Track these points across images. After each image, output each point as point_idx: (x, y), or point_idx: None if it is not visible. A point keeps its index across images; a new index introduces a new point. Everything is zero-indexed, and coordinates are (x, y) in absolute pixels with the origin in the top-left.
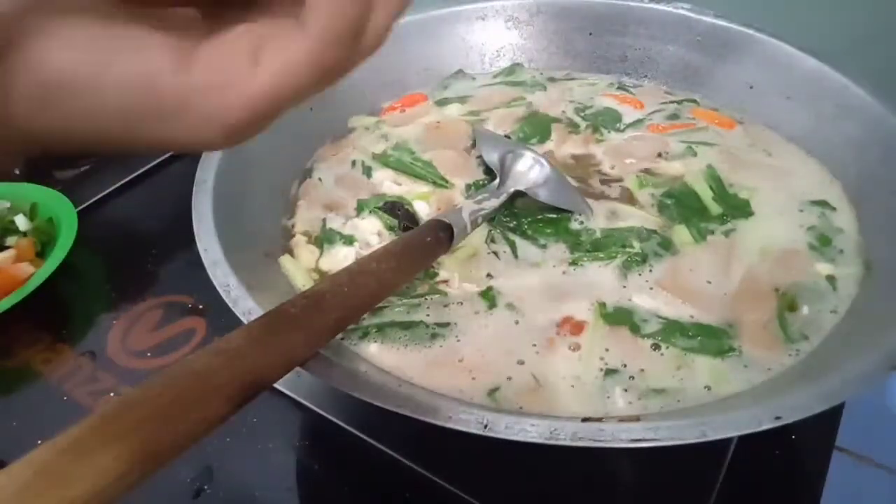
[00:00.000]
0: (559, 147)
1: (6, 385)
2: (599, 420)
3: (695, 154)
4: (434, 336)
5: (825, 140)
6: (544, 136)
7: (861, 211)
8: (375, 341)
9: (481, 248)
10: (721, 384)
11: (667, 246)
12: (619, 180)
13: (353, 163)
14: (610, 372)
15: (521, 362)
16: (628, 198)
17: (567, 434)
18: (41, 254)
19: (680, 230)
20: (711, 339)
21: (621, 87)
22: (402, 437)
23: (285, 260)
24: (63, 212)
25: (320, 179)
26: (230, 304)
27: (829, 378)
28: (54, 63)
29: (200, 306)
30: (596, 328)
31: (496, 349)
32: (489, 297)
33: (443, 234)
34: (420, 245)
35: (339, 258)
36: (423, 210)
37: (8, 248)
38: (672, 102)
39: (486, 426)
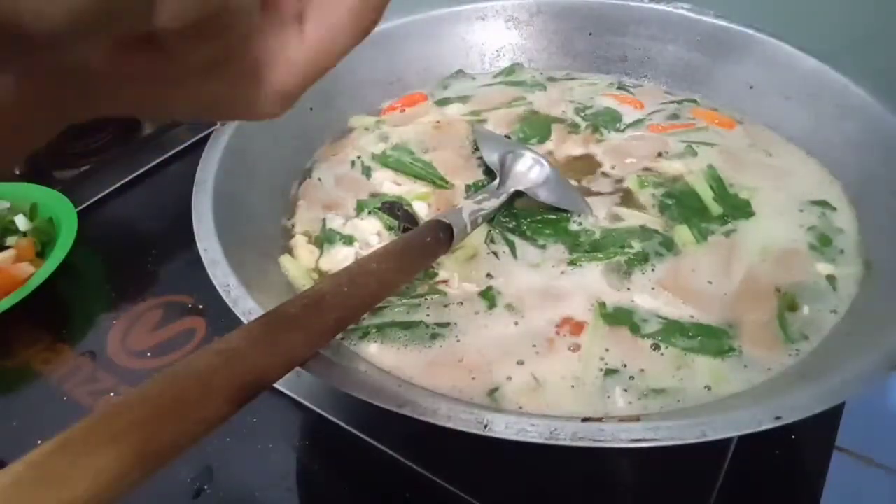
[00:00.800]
0: (559, 147)
1: (6, 385)
2: (599, 420)
3: (695, 154)
4: (434, 336)
5: (825, 140)
6: (544, 136)
7: (861, 211)
8: (375, 341)
9: (481, 248)
10: (721, 384)
11: (668, 246)
12: (620, 180)
13: (353, 163)
14: (610, 372)
15: (520, 362)
16: (629, 198)
17: (567, 434)
18: (41, 254)
19: (681, 230)
20: (711, 340)
21: (621, 87)
22: (402, 437)
23: (285, 260)
24: (63, 212)
25: (320, 179)
26: (230, 304)
27: (829, 378)
28: None
29: (200, 306)
30: (596, 328)
31: (496, 349)
32: (489, 297)
33: (443, 235)
34: (420, 245)
35: (339, 258)
36: (423, 210)
37: (8, 248)
38: (672, 102)
39: (486, 426)
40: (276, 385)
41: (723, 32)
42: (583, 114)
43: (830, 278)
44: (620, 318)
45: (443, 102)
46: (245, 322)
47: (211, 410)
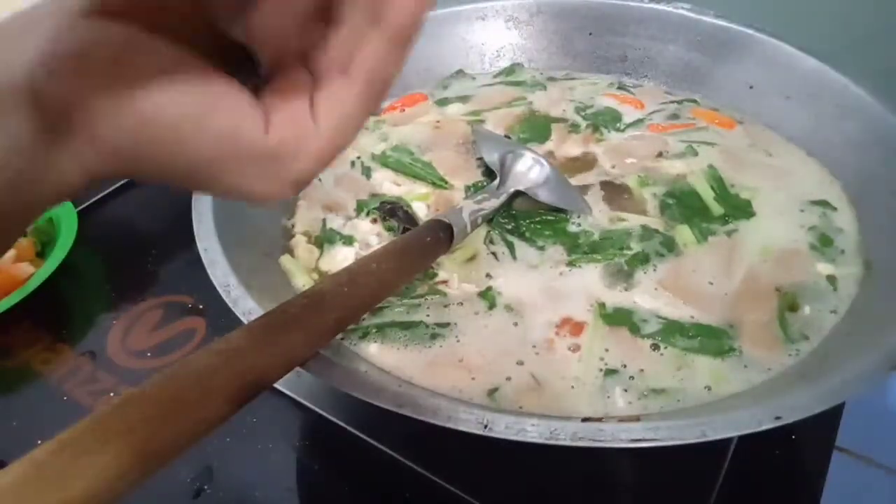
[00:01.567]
0: (559, 147)
1: (6, 385)
2: (599, 420)
3: (696, 154)
4: (434, 336)
5: (825, 140)
6: (544, 136)
7: (861, 211)
8: (375, 341)
9: (480, 248)
10: (721, 384)
11: (669, 246)
12: (621, 181)
13: (353, 163)
14: (610, 372)
15: (520, 363)
16: (629, 197)
17: (567, 434)
18: (41, 254)
19: (682, 230)
20: (711, 340)
21: (621, 87)
22: (402, 437)
23: (285, 260)
24: (63, 212)
25: (320, 180)
26: (230, 304)
27: (829, 378)
28: (162, 109)
29: (200, 306)
30: (595, 329)
31: (496, 349)
32: (489, 297)
33: (443, 235)
34: (420, 245)
35: (339, 258)
36: (422, 211)
37: None
38: (672, 102)
39: (486, 426)
40: (276, 385)
41: (723, 32)
42: (583, 113)
43: (831, 278)
44: (620, 318)
45: (443, 102)
46: (245, 322)
47: (211, 410)
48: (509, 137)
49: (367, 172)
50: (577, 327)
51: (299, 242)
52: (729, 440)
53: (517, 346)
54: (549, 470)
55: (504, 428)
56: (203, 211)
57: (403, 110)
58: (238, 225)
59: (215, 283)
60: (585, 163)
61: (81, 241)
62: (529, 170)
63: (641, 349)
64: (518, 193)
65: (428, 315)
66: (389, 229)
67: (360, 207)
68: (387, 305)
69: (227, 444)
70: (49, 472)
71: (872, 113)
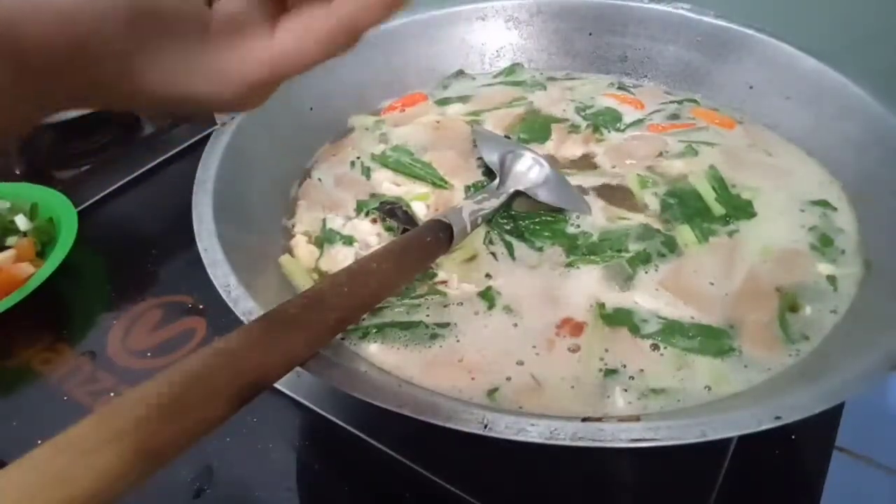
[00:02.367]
0: (559, 147)
1: (6, 385)
2: (599, 420)
3: (696, 154)
4: (434, 336)
5: (825, 140)
6: (544, 137)
7: (861, 211)
8: (375, 341)
9: (480, 249)
10: (721, 384)
11: (671, 246)
12: (622, 181)
13: (353, 163)
14: (609, 372)
15: (520, 363)
16: (629, 197)
17: (567, 434)
18: (41, 254)
19: (683, 230)
20: (711, 340)
21: (621, 87)
22: (402, 437)
23: (285, 260)
24: (63, 212)
25: (320, 180)
26: (230, 304)
27: (829, 378)
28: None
29: (200, 306)
30: (595, 329)
31: (496, 349)
32: (488, 297)
33: (443, 235)
34: (420, 245)
35: (339, 258)
36: (422, 211)
37: (8, 248)
38: (672, 102)
39: (486, 426)
40: (276, 385)
41: (723, 32)
42: (583, 113)
43: (831, 278)
44: (620, 318)
45: (443, 102)
46: (245, 322)
47: (211, 410)
48: (509, 138)
49: (366, 172)
50: (576, 327)
51: (299, 242)
52: (729, 440)
53: (517, 346)
54: (549, 470)
55: (504, 428)
56: (203, 211)
57: (403, 110)
58: (238, 225)
59: (215, 283)
60: (585, 163)
61: (81, 241)
62: (529, 170)
63: (641, 349)
64: (518, 193)
65: (428, 315)
66: (389, 229)
67: (359, 207)
68: (387, 305)
69: (227, 444)
70: (49, 472)
71: (872, 113)
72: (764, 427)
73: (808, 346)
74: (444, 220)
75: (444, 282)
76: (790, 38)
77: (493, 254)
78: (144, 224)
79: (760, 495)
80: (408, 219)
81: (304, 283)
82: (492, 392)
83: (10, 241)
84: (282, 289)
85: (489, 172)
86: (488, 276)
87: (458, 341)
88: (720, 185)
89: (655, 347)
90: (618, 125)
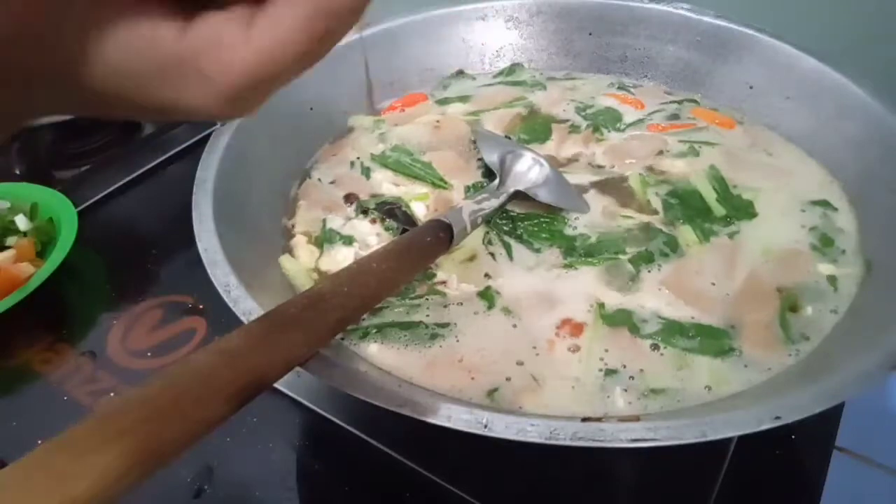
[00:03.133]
0: (559, 147)
1: (6, 385)
2: (599, 420)
3: (696, 154)
4: (434, 336)
5: (825, 140)
6: (544, 137)
7: (861, 210)
8: (375, 341)
9: (479, 249)
10: (721, 384)
11: (673, 246)
12: (622, 181)
13: (353, 163)
14: (610, 372)
15: (520, 363)
16: (630, 197)
17: (567, 434)
18: (41, 254)
19: (685, 230)
20: (711, 340)
21: (621, 87)
22: (402, 437)
23: (285, 260)
24: (63, 212)
25: (320, 180)
26: (230, 304)
27: (829, 378)
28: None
29: (200, 306)
30: (595, 329)
31: (495, 350)
32: (488, 297)
33: (443, 234)
34: (420, 245)
35: (339, 258)
36: (421, 211)
37: (8, 248)
38: (672, 102)
39: (485, 426)
40: (276, 385)
41: (723, 32)
42: (583, 113)
43: (831, 278)
44: (620, 318)
45: (443, 102)
46: (245, 322)
47: (211, 410)
48: (509, 138)
49: (366, 173)
50: (576, 328)
51: (299, 242)
52: (729, 440)
53: (517, 347)
54: (549, 470)
55: (504, 428)
56: (203, 211)
57: (403, 110)
58: (238, 225)
59: (215, 283)
60: (586, 163)
61: (81, 241)
62: (529, 170)
63: (641, 349)
64: (518, 193)
65: (428, 315)
66: (389, 229)
67: (359, 208)
68: (387, 306)
69: (227, 444)
70: (49, 472)
71: (872, 113)
72: (764, 427)
73: (809, 347)
74: (445, 219)
75: (443, 282)
76: (790, 38)
77: (492, 254)
78: (144, 224)
79: (760, 495)
80: (407, 219)
81: (304, 283)
82: (492, 392)
83: (10, 241)
84: (282, 289)
85: (489, 172)
86: (487, 276)
87: (457, 341)
88: (721, 185)
89: (655, 347)
90: (618, 125)
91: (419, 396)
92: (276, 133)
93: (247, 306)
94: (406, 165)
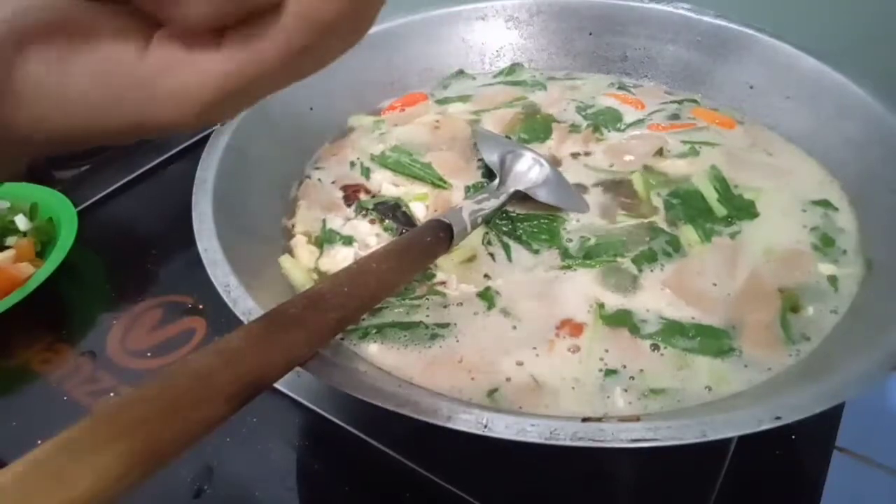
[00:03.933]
0: (559, 146)
1: (6, 385)
2: (599, 420)
3: (697, 154)
4: (434, 336)
5: (825, 140)
6: (544, 136)
7: (861, 210)
8: (375, 341)
9: (478, 249)
10: (721, 384)
11: (675, 246)
12: (623, 181)
13: (353, 164)
14: (610, 373)
15: (520, 363)
16: (631, 197)
17: (567, 434)
18: (41, 254)
19: (687, 230)
20: (711, 340)
21: (622, 87)
22: (402, 437)
23: (285, 260)
24: (63, 212)
25: (320, 180)
26: (230, 304)
27: (829, 378)
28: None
29: (200, 306)
30: (595, 329)
31: (495, 350)
32: (488, 297)
33: (443, 234)
34: (420, 245)
35: (339, 258)
36: (421, 211)
37: (8, 248)
38: (672, 102)
39: (485, 426)
40: (276, 385)
41: (723, 32)
42: (583, 113)
43: (832, 278)
44: (620, 318)
45: (443, 102)
46: (245, 322)
47: (211, 410)
48: (509, 138)
49: (366, 173)
50: (576, 328)
51: (299, 242)
52: (729, 440)
53: (517, 347)
54: (549, 470)
55: (504, 428)
56: (203, 211)
57: (403, 110)
58: (238, 225)
59: (215, 283)
60: (586, 163)
61: (81, 241)
62: (529, 170)
63: (641, 349)
64: (518, 193)
65: (427, 315)
66: (388, 229)
67: (358, 208)
68: (386, 306)
69: (227, 444)
70: (49, 472)
71: (872, 113)
72: (764, 427)
73: (809, 347)
74: (445, 219)
75: (443, 282)
76: (790, 38)
77: (492, 255)
78: (144, 224)
79: (760, 495)
80: (406, 220)
81: (304, 283)
82: (492, 392)
83: (10, 241)
84: (282, 289)
85: (489, 172)
86: (487, 276)
87: (457, 342)
88: (722, 185)
89: (655, 348)
90: (618, 125)
91: (419, 396)
92: (276, 133)
93: (247, 306)
94: (406, 166)
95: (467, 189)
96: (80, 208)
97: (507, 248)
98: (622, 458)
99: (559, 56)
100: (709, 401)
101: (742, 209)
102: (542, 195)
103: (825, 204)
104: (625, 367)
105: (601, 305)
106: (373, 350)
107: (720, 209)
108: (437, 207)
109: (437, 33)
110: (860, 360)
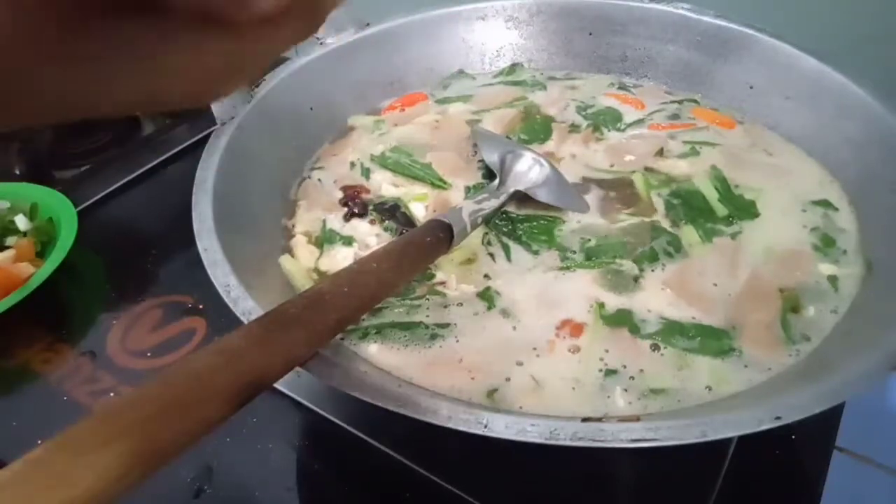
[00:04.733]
0: (559, 146)
1: (6, 385)
2: (599, 420)
3: (697, 154)
4: (433, 337)
5: (825, 140)
6: (544, 136)
7: (861, 210)
8: (375, 342)
9: (478, 250)
10: (721, 384)
11: (677, 246)
12: (623, 180)
13: (353, 164)
14: (610, 373)
15: (520, 363)
16: (631, 197)
17: (567, 434)
18: (41, 254)
19: (688, 230)
20: (711, 340)
21: (622, 87)
22: (402, 437)
23: (285, 260)
24: (63, 212)
25: (320, 180)
26: (230, 304)
27: (829, 378)
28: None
29: (200, 306)
30: (595, 329)
31: (495, 350)
32: (488, 297)
33: (443, 234)
34: (420, 245)
35: (339, 258)
36: (420, 212)
37: (8, 248)
38: (672, 102)
39: (485, 426)
40: (276, 385)
41: (723, 32)
42: (584, 113)
43: (832, 278)
44: (620, 319)
45: (443, 102)
46: (245, 322)
47: (211, 410)
48: (509, 138)
49: (366, 173)
50: (576, 328)
51: (299, 242)
52: (729, 440)
53: (517, 347)
54: (549, 470)
55: (504, 428)
56: (203, 211)
57: (403, 110)
58: (238, 225)
59: (215, 283)
60: (586, 163)
61: (81, 241)
62: (529, 170)
63: (641, 349)
64: (518, 193)
65: (427, 316)
66: (388, 230)
67: (349, 215)
68: (386, 306)
69: (227, 444)
70: (49, 471)
71: (872, 113)
72: (764, 427)
73: (809, 347)
74: (445, 220)
75: (442, 283)
76: (790, 38)
77: (492, 255)
78: (144, 224)
79: (760, 495)
80: (406, 220)
81: (304, 283)
82: (491, 392)
83: (10, 241)
84: (282, 289)
85: (489, 172)
86: (487, 277)
87: (457, 342)
88: (723, 185)
89: (655, 348)
90: (618, 125)
91: (419, 396)
92: (276, 133)
93: (247, 306)
94: (405, 166)
95: (467, 189)
96: (80, 208)
97: (506, 248)
98: (622, 458)
99: (559, 56)
100: (709, 401)
101: (743, 209)
102: (543, 195)
103: (825, 204)
104: (625, 367)
105: (601, 305)
106: (373, 350)
107: (721, 209)
108: (437, 208)
109: (437, 33)
110: (860, 360)
